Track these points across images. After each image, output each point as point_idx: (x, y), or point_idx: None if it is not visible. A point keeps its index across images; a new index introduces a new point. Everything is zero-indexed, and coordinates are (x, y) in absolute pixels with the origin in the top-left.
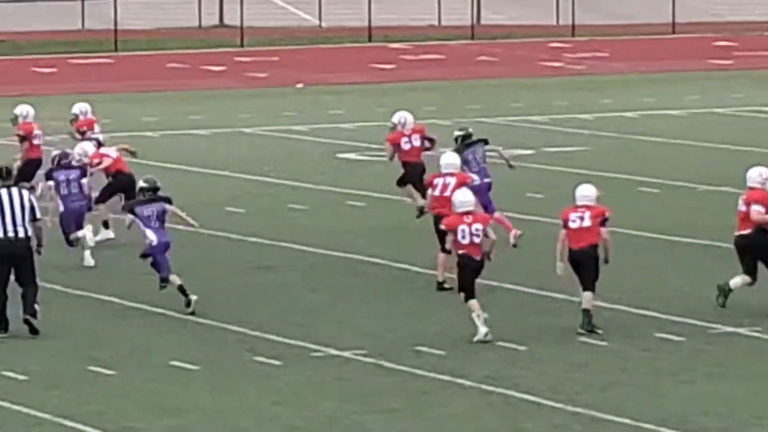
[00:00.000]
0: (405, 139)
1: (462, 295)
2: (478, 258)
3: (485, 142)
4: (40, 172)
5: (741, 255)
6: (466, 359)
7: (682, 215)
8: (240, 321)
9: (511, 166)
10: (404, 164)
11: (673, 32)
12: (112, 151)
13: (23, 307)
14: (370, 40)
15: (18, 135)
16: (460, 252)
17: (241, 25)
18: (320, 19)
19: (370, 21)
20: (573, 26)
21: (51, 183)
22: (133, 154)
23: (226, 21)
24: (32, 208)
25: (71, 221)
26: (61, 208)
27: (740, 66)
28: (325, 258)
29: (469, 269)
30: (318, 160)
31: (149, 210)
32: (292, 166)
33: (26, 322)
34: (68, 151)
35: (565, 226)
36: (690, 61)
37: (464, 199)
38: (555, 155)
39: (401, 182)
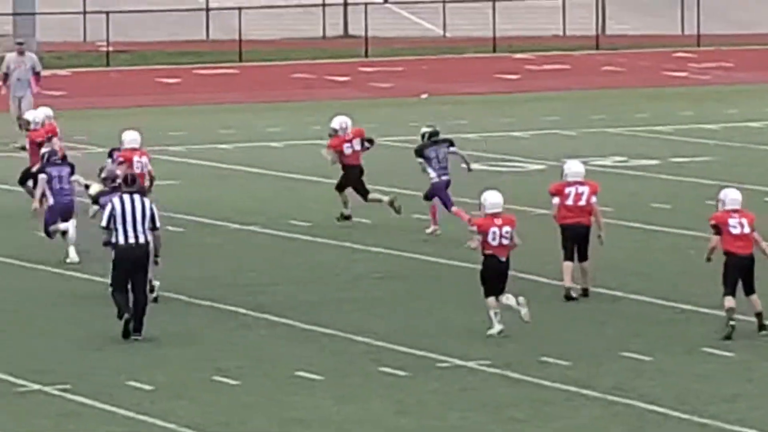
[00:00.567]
0: (347, 144)
1: (482, 289)
2: (503, 259)
3: (450, 143)
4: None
5: None
6: (591, 370)
7: None
8: (365, 331)
9: (469, 170)
10: (344, 167)
11: None
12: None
13: (135, 310)
14: (494, 51)
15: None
16: (487, 253)
17: (365, 35)
18: (444, 29)
19: (494, 31)
20: (698, 36)
21: (44, 176)
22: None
23: (350, 31)
24: (152, 216)
25: (57, 215)
26: (51, 202)
27: None
28: (451, 268)
29: (493, 270)
30: None
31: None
32: (417, 176)
33: (137, 321)
34: (56, 148)
35: (723, 231)
36: None
37: (495, 200)
38: (681, 166)
39: (340, 187)
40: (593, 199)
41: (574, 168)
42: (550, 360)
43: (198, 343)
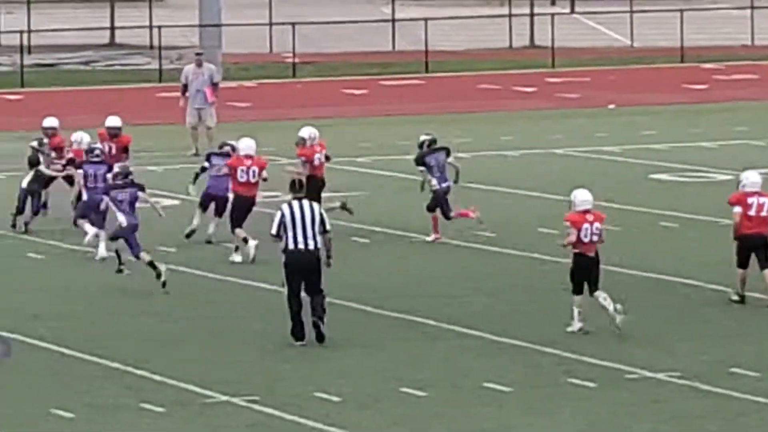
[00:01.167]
0: (318, 155)
1: (571, 287)
2: (592, 255)
3: (448, 152)
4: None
5: None
6: None
7: None
8: (554, 342)
9: (456, 181)
10: (309, 178)
11: None
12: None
13: (312, 311)
14: (682, 61)
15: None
16: (576, 250)
17: (552, 45)
18: (632, 39)
19: (682, 41)
20: None
21: (80, 172)
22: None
23: (537, 41)
24: (322, 221)
25: (90, 211)
26: (85, 197)
27: None
28: (637, 279)
29: (584, 266)
30: (630, 181)
31: (123, 195)
32: (604, 186)
33: (315, 325)
34: (95, 146)
35: None
36: None
37: (585, 197)
38: None
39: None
40: None
41: (752, 178)
42: (740, 371)
43: (385, 354)
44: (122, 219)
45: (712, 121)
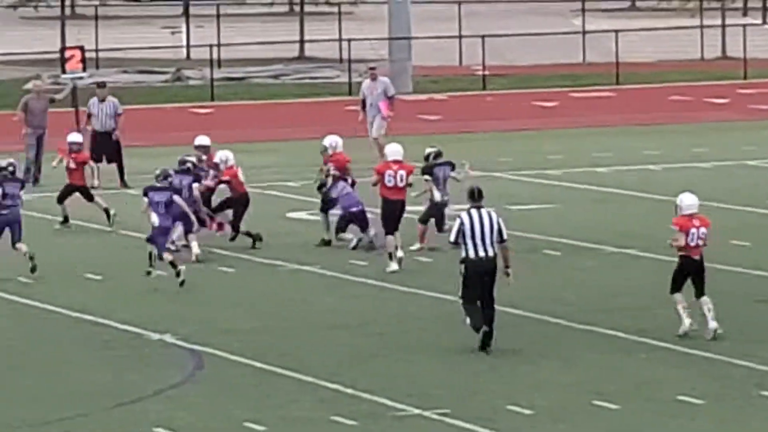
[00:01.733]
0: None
1: (669, 287)
2: (697, 258)
3: (452, 166)
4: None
5: None
6: None
7: None
8: (746, 355)
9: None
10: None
11: None
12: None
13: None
14: None
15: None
16: (682, 253)
17: (744, 56)
18: None
19: None
20: None
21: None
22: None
23: (728, 53)
24: (500, 230)
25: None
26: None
27: None
28: None
29: (688, 269)
30: None
31: (159, 196)
32: None
33: (486, 335)
34: (186, 157)
35: None
36: None
37: (691, 201)
38: None
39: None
40: None
41: None
42: None
43: (577, 367)
44: (155, 219)
45: None
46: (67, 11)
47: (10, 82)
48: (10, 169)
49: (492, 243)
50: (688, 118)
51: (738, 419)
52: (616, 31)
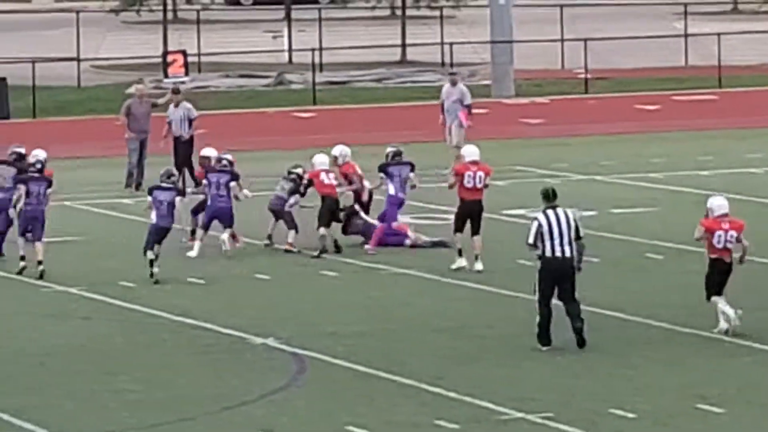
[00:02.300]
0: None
1: (706, 293)
2: (728, 260)
3: (412, 167)
4: None
5: None
6: None
7: None
8: None
9: (413, 187)
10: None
11: None
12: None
13: (570, 319)
14: None
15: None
16: (712, 256)
17: None
18: None
19: None
20: None
21: (205, 181)
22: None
23: None
24: (577, 228)
25: (213, 217)
26: (209, 203)
27: None
28: None
29: (719, 271)
30: None
31: (163, 196)
32: None
33: (576, 331)
34: (222, 155)
35: None
36: None
37: (721, 203)
38: None
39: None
40: None
41: None
42: None
43: (682, 371)
44: (153, 217)
45: None
46: (170, 15)
47: (112, 86)
48: (38, 166)
49: (570, 242)
50: None
51: None
52: (719, 34)
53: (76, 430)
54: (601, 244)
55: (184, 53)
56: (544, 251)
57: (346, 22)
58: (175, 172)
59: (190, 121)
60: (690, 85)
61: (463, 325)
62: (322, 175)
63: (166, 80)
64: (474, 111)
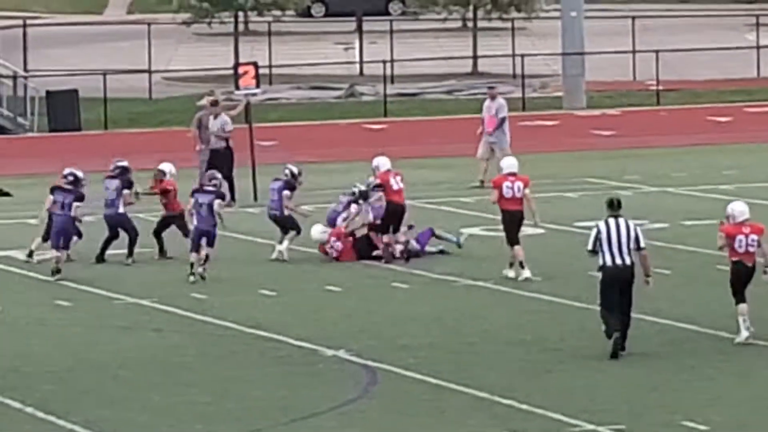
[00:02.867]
0: (394, 179)
1: (734, 299)
2: (750, 264)
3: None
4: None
5: None
6: None
7: None
8: None
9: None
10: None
11: None
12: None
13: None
14: None
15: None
16: (734, 259)
17: None
18: None
19: None
20: None
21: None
22: None
23: None
24: (637, 238)
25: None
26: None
27: None
28: None
29: (741, 275)
30: None
31: (203, 198)
32: None
33: (616, 340)
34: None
35: None
36: None
37: (741, 209)
38: None
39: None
40: None
41: None
42: None
43: (755, 382)
44: (194, 221)
45: None
46: (241, 27)
47: (183, 98)
48: (70, 178)
49: (629, 251)
50: None
51: None
52: None
53: None
54: (673, 256)
55: (255, 65)
56: (604, 260)
57: (417, 34)
58: (218, 175)
59: (225, 132)
60: (762, 96)
61: (536, 338)
62: (392, 180)
63: (237, 92)
64: (545, 123)
